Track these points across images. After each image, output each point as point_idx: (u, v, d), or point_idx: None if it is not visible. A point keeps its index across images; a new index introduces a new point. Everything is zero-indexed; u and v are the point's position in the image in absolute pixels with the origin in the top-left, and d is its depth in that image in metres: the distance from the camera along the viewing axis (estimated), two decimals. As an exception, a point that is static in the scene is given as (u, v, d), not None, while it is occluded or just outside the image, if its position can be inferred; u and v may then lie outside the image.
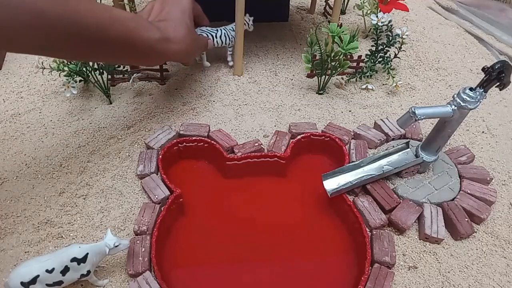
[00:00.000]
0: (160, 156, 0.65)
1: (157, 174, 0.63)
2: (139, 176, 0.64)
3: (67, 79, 0.73)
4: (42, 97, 0.78)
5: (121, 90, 0.81)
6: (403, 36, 0.82)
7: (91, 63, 0.72)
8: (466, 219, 0.58)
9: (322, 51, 0.75)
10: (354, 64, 0.84)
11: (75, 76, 0.74)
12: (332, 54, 0.75)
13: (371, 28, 0.91)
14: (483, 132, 0.77)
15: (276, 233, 0.60)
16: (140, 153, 0.66)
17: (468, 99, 0.54)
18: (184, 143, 0.67)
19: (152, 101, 0.78)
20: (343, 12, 1.10)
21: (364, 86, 0.83)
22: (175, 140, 0.67)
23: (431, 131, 0.61)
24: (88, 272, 0.48)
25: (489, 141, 0.75)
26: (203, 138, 0.67)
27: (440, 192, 0.62)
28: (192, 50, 0.71)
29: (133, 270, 0.51)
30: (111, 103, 0.77)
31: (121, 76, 0.81)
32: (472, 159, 0.69)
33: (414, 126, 0.73)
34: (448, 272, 0.55)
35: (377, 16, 0.83)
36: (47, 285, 0.46)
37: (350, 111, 0.79)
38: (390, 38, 0.82)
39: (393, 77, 0.83)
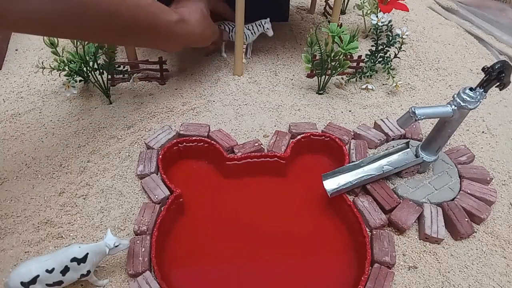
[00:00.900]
0: (160, 156, 0.65)
1: (157, 174, 0.63)
2: (139, 176, 0.64)
3: (67, 79, 0.73)
4: (42, 97, 0.78)
5: (121, 90, 0.81)
6: (403, 36, 0.82)
7: (91, 63, 0.73)
8: (466, 219, 0.58)
9: (322, 51, 0.75)
10: (354, 64, 0.84)
11: (75, 76, 0.74)
12: (332, 54, 0.75)
13: (371, 28, 0.91)
14: (483, 132, 0.77)
15: (276, 233, 0.60)
16: (140, 153, 0.66)
17: (468, 99, 0.54)
18: (184, 143, 0.67)
19: (152, 101, 0.78)
20: (343, 12, 1.10)
21: (364, 86, 0.83)
22: (175, 140, 0.67)
23: (431, 131, 0.61)
24: (88, 272, 0.48)
25: (489, 141, 0.75)
26: (203, 138, 0.67)
27: (440, 192, 0.62)
28: (207, 34, 0.75)
29: (133, 270, 0.51)
30: (111, 103, 0.77)
31: (121, 76, 0.81)
32: (472, 159, 0.69)
33: (414, 126, 0.73)
34: (448, 272, 0.55)
35: (377, 16, 0.83)
36: (47, 285, 0.46)
37: (350, 111, 0.79)
38: (390, 38, 0.82)
39: (393, 77, 0.83)
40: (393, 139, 0.71)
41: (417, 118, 0.54)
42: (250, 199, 0.64)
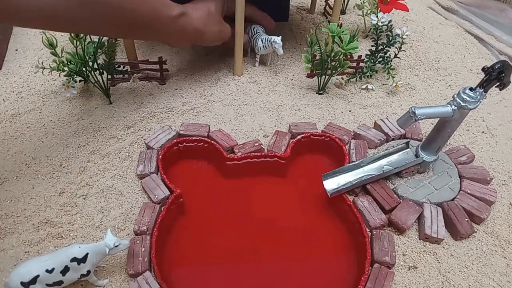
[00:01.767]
0: (160, 156, 0.65)
1: (157, 174, 0.63)
2: (139, 176, 0.64)
3: (67, 79, 0.73)
4: (42, 97, 0.78)
5: (121, 90, 0.81)
6: (403, 36, 0.82)
7: (90, 63, 0.72)
8: (466, 219, 0.58)
9: (322, 51, 0.75)
10: (354, 64, 0.84)
11: (75, 76, 0.74)
12: (332, 54, 0.75)
13: (371, 28, 0.91)
14: (483, 132, 0.77)
15: (276, 233, 0.60)
16: (140, 153, 0.66)
17: (468, 99, 0.54)
18: (184, 143, 0.67)
19: (152, 101, 0.78)
20: (343, 12, 1.10)
21: (364, 86, 0.83)
22: (175, 140, 0.67)
23: (431, 131, 0.61)
24: (88, 272, 0.48)
25: (489, 141, 0.75)
26: (203, 138, 0.67)
27: (440, 192, 0.62)
28: (210, 32, 0.74)
29: (133, 270, 0.51)
30: (111, 103, 0.77)
31: (121, 76, 0.81)
32: (472, 159, 0.69)
33: (414, 126, 0.73)
34: (448, 272, 0.55)
35: (377, 16, 0.83)
36: (47, 285, 0.46)
37: (350, 111, 0.79)
38: (390, 38, 0.82)
39: (393, 77, 0.83)
40: (393, 139, 0.71)
41: (417, 118, 0.54)
42: (250, 199, 0.64)
